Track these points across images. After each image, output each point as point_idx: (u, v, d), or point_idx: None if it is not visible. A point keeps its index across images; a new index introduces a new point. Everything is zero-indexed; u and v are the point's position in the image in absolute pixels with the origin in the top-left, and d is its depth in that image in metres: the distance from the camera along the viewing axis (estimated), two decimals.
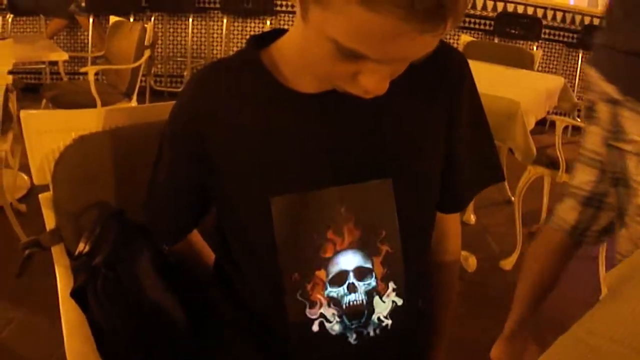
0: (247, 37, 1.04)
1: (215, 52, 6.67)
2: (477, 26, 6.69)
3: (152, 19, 6.21)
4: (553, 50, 6.76)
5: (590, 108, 1.29)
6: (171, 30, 6.62)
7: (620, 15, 1.21)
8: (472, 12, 6.62)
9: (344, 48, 0.76)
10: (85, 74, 4.26)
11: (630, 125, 1.17)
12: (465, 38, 4.83)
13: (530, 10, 6.57)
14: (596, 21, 6.52)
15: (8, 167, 3.61)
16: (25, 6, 6.01)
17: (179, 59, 6.70)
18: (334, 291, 1.00)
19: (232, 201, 1.04)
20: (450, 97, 1.04)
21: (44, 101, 4.29)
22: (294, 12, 0.95)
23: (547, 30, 6.65)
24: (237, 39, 6.57)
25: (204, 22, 6.61)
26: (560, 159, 3.32)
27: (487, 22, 6.66)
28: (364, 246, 1.00)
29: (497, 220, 4.12)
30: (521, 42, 6.41)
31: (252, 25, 6.50)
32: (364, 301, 1.02)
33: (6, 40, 3.36)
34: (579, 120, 4.10)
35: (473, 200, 3.60)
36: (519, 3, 6.56)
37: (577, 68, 6.65)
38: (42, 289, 2.71)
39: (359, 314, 1.02)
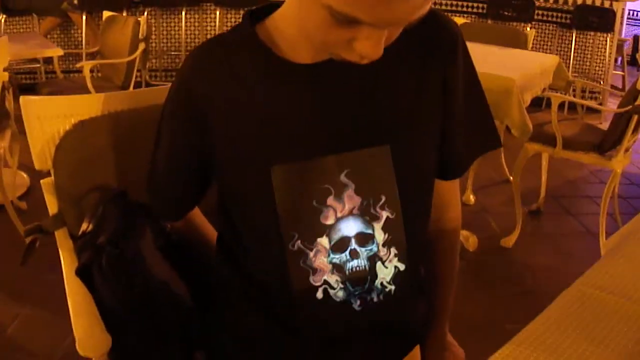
0: None
1: None
2: (470, 10, 6.69)
3: (145, 13, 6.21)
4: (547, 31, 6.76)
5: None
6: (164, 24, 6.62)
7: None
8: None
9: (338, 13, 0.78)
10: (81, 70, 4.26)
11: None
12: (459, 20, 4.84)
13: None
14: (589, 0, 6.52)
15: (7, 165, 3.61)
16: (18, 6, 6.00)
17: (173, 52, 6.70)
18: (336, 258, 1.02)
19: (232, 173, 1.05)
20: (444, 64, 1.05)
21: None
22: None
23: (540, 12, 6.65)
24: None
25: (197, 15, 6.61)
26: (557, 136, 3.33)
27: (480, 5, 6.66)
28: (364, 212, 1.01)
29: (496, 200, 4.14)
30: (514, 24, 6.42)
31: None
32: (367, 267, 1.03)
33: (0, 38, 3.35)
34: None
35: (472, 180, 3.62)
36: None
37: (571, 48, 6.65)
38: (45, 284, 2.73)
39: (362, 280, 1.04)
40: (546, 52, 6.50)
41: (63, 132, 1.19)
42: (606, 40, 6.66)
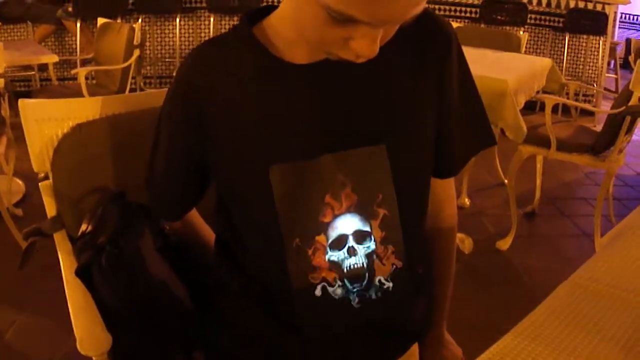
0: None
1: None
2: (463, 14, 6.72)
3: (140, 20, 6.22)
4: (540, 35, 6.79)
5: None
6: (159, 31, 6.63)
7: None
8: (457, 0, 6.65)
9: (335, 12, 0.79)
10: (76, 77, 4.27)
11: None
12: (452, 24, 4.85)
13: None
14: (581, 4, 6.56)
15: (2, 172, 3.62)
16: (13, 14, 6.01)
17: (167, 59, 6.70)
18: (334, 255, 1.02)
19: (230, 173, 1.06)
20: (439, 63, 1.06)
21: None
22: None
23: (533, 16, 6.67)
24: None
25: (191, 22, 6.62)
26: (551, 137, 3.35)
27: (473, 9, 6.69)
28: (362, 210, 1.02)
29: (491, 203, 4.15)
30: (508, 28, 6.44)
31: None
32: (365, 264, 1.04)
33: None
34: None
35: (467, 183, 3.63)
36: None
37: (564, 52, 6.68)
38: (42, 291, 2.74)
39: (360, 277, 1.04)
40: (539, 56, 6.53)
41: (61, 135, 1.19)
42: (599, 44, 6.69)
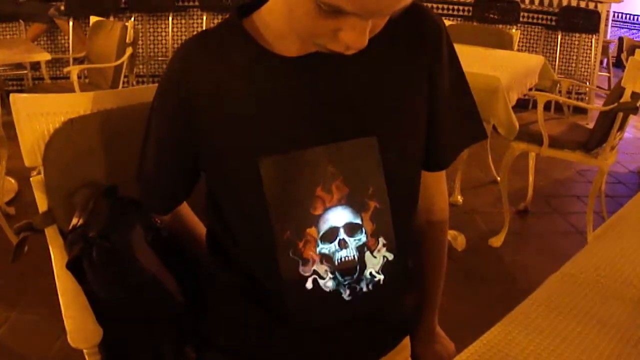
0: None
1: None
2: (455, 12, 6.73)
3: (132, 19, 6.20)
4: (532, 33, 6.81)
5: None
6: (151, 30, 6.62)
7: None
8: None
9: (324, 3, 0.79)
10: (68, 77, 4.26)
11: None
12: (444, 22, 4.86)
13: None
14: (574, 2, 6.58)
15: None
16: (5, 12, 5.99)
17: (160, 58, 6.70)
18: (325, 248, 1.02)
19: (220, 165, 1.06)
20: (429, 56, 1.06)
21: None
22: None
23: (525, 14, 6.69)
24: None
25: (183, 21, 6.61)
26: (543, 134, 3.36)
27: (466, 7, 6.70)
28: (353, 202, 1.02)
29: (484, 200, 4.16)
30: (500, 26, 6.45)
31: None
32: (355, 257, 1.04)
33: None
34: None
35: (459, 181, 3.63)
36: None
37: (556, 50, 6.70)
38: (34, 289, 2.74)
39: (351, 270, 1.05)
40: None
41: (53, 130, 1.19)
42: (591, 42, 6.71)
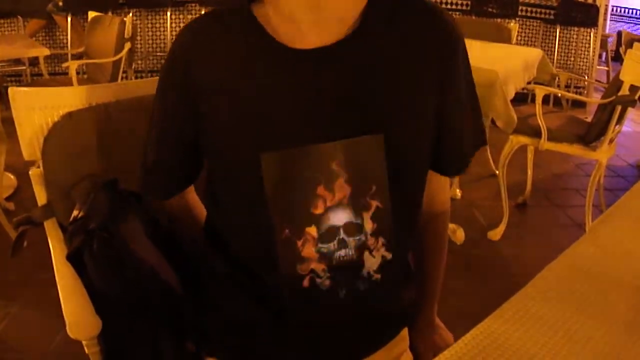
0: None
1: None
2: (454, 6, 6.72)
3: (130, 14, 6.20)
4: (531, 27, 6.81)
5: None
6: (149, 25, 6.62)
7: None
8: None
9: None
10: (67, 72, 4.25)
11: None
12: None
13: None
14: None
15: None
16: (3, 8, 5.99)
17: (158, 54, 6.69)
18: (324, 247, 1.01)
19: (222, 156, 1.05)
20: (442, 57, 1.04)
21: None
22: None
23: (524, 8, 6.69)
24: None
25: (182, 16, 6.61)
26: (541, 127, 3.36)
27: (464, 1, 6.70)
28: (354, 202, 1.00)
29: (483, 194, 4.16)
30: (498, 20, 6.46)
31: None
32: (354, 256, 1.02)
33: None
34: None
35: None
36: None
37: (555, 44, 6.70)
38: (34, 284, 2.74)
39: (349, 269, 1.03)
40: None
41: (52, 123, 1.19)
42: (590, 36, 6.71)
